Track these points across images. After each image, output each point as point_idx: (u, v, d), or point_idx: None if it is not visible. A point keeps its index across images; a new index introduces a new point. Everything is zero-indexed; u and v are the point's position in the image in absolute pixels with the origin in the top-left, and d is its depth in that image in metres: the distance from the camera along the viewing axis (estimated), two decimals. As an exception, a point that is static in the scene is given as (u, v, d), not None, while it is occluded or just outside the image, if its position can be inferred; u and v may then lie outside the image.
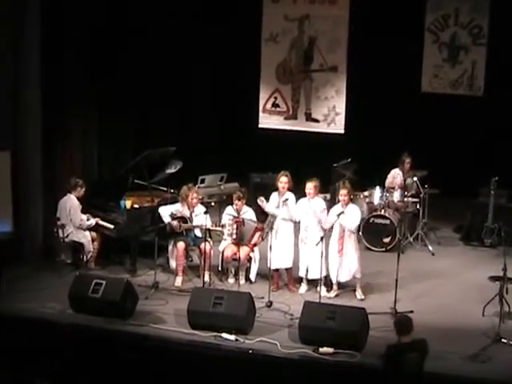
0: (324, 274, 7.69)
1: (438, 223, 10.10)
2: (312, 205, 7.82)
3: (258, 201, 7.91)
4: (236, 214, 8.06)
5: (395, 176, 9.62)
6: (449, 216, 10.23)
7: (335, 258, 7.72)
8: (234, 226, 7.93)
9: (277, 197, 7.94)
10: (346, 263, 7.69)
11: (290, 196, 7.90)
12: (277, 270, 7.96)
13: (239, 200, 8.08)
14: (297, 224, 7.97)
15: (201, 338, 6.82)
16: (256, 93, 11.73)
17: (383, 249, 9.20)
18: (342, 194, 7.69)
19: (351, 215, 7.67)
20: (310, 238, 7.73)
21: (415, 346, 5.78)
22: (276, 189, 7.98)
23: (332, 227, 7.69)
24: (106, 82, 9.89)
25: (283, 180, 7.86)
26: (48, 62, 8.65)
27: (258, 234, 8.08)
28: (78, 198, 8.33)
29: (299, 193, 7.98)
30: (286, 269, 8.03)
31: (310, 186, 7.81)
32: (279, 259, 7.89)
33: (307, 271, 7.84)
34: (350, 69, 11.29)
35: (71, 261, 8.38)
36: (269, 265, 7.74)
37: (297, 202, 7.93)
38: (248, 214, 8.12)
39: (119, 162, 9.83)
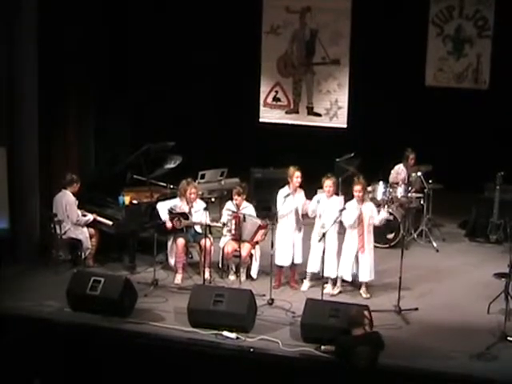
0: (334, 273, 7.58)
1: (443, 219, 10.01)
2: (330, 203, 7.63)
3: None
4: (235, 210, 7.94)
5: (399, 172, 9.53)
6: (453, 212, 10.14)
7: (352, 255, 7.55)
8: (233, 222, 7.82)
9: (291, 193, 7.68)
10: (365, 262, 7.54)
11: (301, 192, 7.75)
12: (281, 267, 7.84)
13: (239, 195, 7.98)
14: (300, 220, 7.82)
15: (201, 336, 6.77)
16: (256, 86, 11.63)
17: (387, 245, 9.10)
18: (357, 189, 7.52)
19: (374, 211, 7.55)
20: (326, 236, 7.46)
21: (367, 340, 5.73)
22: (283, 185, 7.80)
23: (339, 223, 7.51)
24: (104, 76, 9.80)
25: (299, 175, 7.68)
26: (45, 57, 8.58)
27: (260, 232, 7.95)
28: (74, 194, 8.25)
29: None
30: (296, 264, 7.89)
31: (329, 184, 7.62)
32: (285, 256, 7.77)
33: (322, 269, 7.64)
34: (352, 62, 11.19)
35: (69, 258, 8.30)
36: (271, 261, 7.63)
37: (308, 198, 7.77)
38: (248, 209, 8.01)
39: (117, 157, 9.74)
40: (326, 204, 7.66)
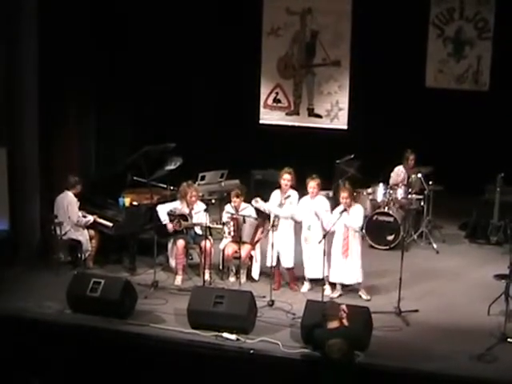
0: (326, 273, 7.57)
1: (443, 220, 10.00)
2: (315, 204, 7.67)
3: (253, 202, 7.76)
4: (234, 212, 7.94)
5: (399, 174, 9.53)
6: (454, 213, 10.14)
7: (339, 259, 7.57)
8: (231, 223, 7.81)
9: (279, 195, 7.80)
10: (351, 265, 7.54)
11: (293, 194, 7.77)
12: (278, 268, 7.83)
13: (237, 197, 7.99)
14: (298, 222, 7.84)
15: (201, 337, 6.76)
16: (257, 88, 11.62)
17: (387, 247, 9.10)
18: (343, 196, 7.50)
19: (355, 214, 7.52)
20: (313, 238, 7.58)
21: (342, 333, 5.74)
22: (278, 186, 7.84)
23: (334, 227, 7.50)
24: (105, 77, 9.81)
25: (286, 177, 7.73)
26: (46, 57, 8.58)
27: (259, 231, 7.95)
28: (75, 195, 8.25)
29: (301, 190, 7.88)
30: (288, 268, 7.90)
31: (312, 185, 7.66)
32: (280, 258, 7.78)
33: (311, 271, 7.70)
34: (353, 63, 11.18)
35: (69, 259, 8.29)
36: (269, 263, 7.65)
37: (299, 200, 7.78)
38: (247, 210, 8.00)
39: (117, 159, 9.74)
40: (311, 205, 7.66)
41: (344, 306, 6.13)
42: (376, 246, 9.14)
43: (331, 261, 7.60)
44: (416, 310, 7.28)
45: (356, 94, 11.22)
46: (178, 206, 8.09)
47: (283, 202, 7.68)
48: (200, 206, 8.08)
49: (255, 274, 8.01)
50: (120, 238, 8.31)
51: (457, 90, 10.91)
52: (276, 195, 7.84)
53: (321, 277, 7.44)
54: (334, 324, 5.89)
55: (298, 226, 7.89)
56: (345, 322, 5.98)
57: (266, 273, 7.97)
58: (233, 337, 6.71)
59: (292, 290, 7.86)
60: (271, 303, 7.38)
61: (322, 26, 11.28)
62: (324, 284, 7.53)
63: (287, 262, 7.83)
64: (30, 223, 8.53)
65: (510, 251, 7.02)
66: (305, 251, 7.76)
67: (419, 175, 9.29)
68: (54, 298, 7.39)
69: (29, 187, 8.47)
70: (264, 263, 7.91)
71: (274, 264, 7.75)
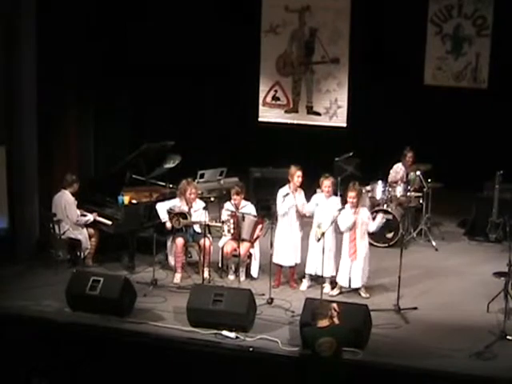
0: (332, 273, 7.59)
1: (442, 218, 10.01)
2: (330, 204, 7.61)
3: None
4: (234, 209, 7.94)
5: (398, 171, 9.53)
6: (453, 211, 10.15)
7: (346, 261, 7.54)
8: (231, 221, 7.82)
9: (287, 191, 7.68)
10: (357, 268, 7.51)
11: (301, 191, 7.74)
12: (281, 267, 7.84)
13: (237, 195, 7.98)
14: (299, 220, 7.82)
15: (200, 335, 6.76)
16: (256, 86, 11.62)
17: (386, 244, 9.09)
18: (351, 196, 7.45)
19: (369, 219, 7.51)
20: (325, 236, 7.44)
21: (332, 331, 5.76)
22: (284, 184, 7.79)
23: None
24: (105, 78, 9.80)
25: (300, 174, 7.65)
26: (45, 58, 8.58)
27: (258, 229, 7.95)
28: (73, 194, 8.25)
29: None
30: (292, 265, 7.89)
31: (327, 184, 7.59)
32: (285, 256, 7.78)
33: (313, 267, 7.66)
34: (352, 61, 11.19)
35: (68, 257, 8.29)
36: (290, 263, 7.68)
37: (311, 197, 7.76)
38: (247, 208, 8.00)
39: (116, 157, 9.73)
40: (325, 204, 7.65)
41: (335, 305, 6.11)
42: (375, 244, 9.12)
43: (340, 263, 7.58)
44: (415, 308, 7.28)
45: (355, 91, 11.22)
46: (177, 203, 8.09)
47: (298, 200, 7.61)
48: (199, 204, 8.08)
49: (254, 271, 8.01)
50: (119, 236, 8.32)
51: (455, 87, 10.92)
52: (284, 192, 7.66)
53: (320, 274, 7.43)
54: (323, 322, 5.88)
55: (303, 223, 7.86)
56: (335, 320, 5.97)
57: (264, 271, 7.96)
58: (232, 335, 6.71)
59: (292, 287, 7.86)
60: (270, 301, 7.38)
61: (321, 23, 11.29)
62: (324, 282, 7.54)
63: (294, 260, 7.81)
64: (29, 221, 8.53)
65: (509, 248, 7.03)
66: (311, 248, 7.71)
67: (418, 173, 9.29)
68: (53, 297, 7.40)
69: (28, 185, 8.47)
70: (266, 261, 7.85)
71: (279, 263, 7.75)
